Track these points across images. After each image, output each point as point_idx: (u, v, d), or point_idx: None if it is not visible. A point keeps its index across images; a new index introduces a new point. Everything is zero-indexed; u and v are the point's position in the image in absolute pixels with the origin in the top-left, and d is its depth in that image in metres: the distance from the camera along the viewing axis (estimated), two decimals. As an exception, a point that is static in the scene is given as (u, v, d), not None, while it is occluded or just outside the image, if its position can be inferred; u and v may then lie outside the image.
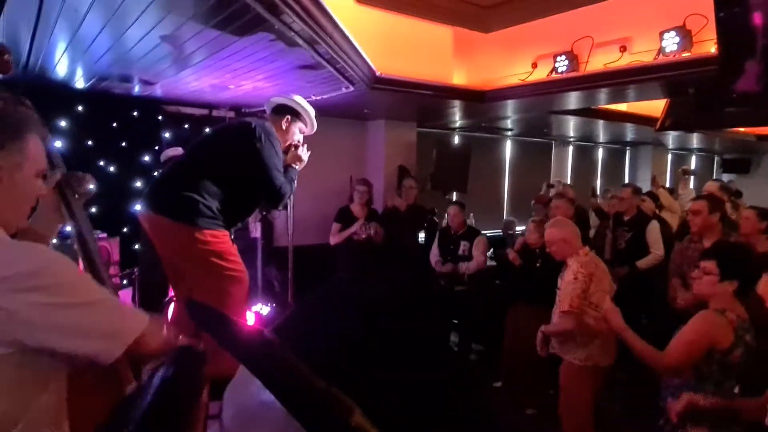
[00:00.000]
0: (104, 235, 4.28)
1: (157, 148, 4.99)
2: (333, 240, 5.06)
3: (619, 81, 3.98)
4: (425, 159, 6.36)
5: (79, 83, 4.15)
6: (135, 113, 4.86)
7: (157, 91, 4.47)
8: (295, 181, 2.86)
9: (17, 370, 1.00)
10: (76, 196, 1.54)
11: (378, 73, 4.02)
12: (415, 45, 4.61)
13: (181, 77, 3.86)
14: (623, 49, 4.06)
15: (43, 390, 1.05)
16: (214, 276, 2.49)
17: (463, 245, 4.78)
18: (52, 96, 4.25)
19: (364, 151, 6.47)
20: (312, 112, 2.91)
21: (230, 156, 2.58)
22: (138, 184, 4.86)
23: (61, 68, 3.62)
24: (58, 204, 1.42)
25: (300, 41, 2.80)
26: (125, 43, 2.96)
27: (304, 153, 2.91)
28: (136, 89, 4.41)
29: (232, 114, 5.39)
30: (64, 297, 1.02)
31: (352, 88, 3.97)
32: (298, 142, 2.92)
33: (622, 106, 5.90)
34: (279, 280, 5.17)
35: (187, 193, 2.45)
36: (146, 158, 4.96)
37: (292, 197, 3.24)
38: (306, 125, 2.92)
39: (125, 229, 4.75)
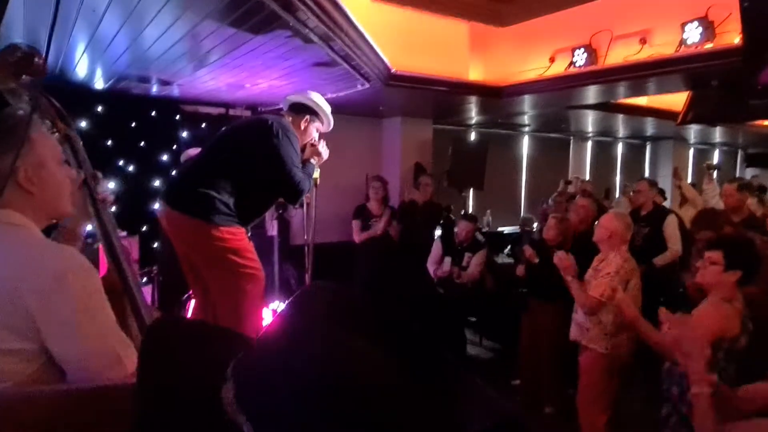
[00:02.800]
0: (124, 233, 4.33)
1: (174, 147, 5.03)
2: (357, 238, 5.09)
3: (639, 74, 3.90)
4: (441, 156, 6.33)
5: (99, 84, 4.21)
6: (153, 113, 4.91)
7: (175, 90, 4.51)
8: (313, 176, 2.87)
9: (44, 366, 1.05)
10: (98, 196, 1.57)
11: (393, 70, 4.01)
12: (430, 41, 4.58)
13: (197, 76, 3.88)
14: (643, 41, 3.98)
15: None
16: (231, 273, 2.50)
17: (467, 257, 4.77)
18: (73, 97, 4.30)
19: (379, 149, 6.46)
20: (328, 109, 2.91)
21: (248, 153, 2.58)
22: (156, 183, 4.91)
23: (81, 69, 3.67)
24: (84, 202, 1.46)
25: (315, 38, 2.79)
26: (143, 42, 2.98)
27: (323, 148, 2.91)
28: (154, 89, 4.45)
29: (248, 113, 5.42)
30: (76, 314, 1.06)
31: (367, 85, 3.96)
32: (314, 140, 2.92)
33: (642, 100, 5.80)
34: (296, 278, 5.19)
35: (205, 190, 2.46)
36: (164, 158, 5.01)
37: (309, 194, 3.25)
38: (323, 124, 2.92)
39: (144, 228, 4.80)
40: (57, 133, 1.49)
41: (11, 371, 1.02)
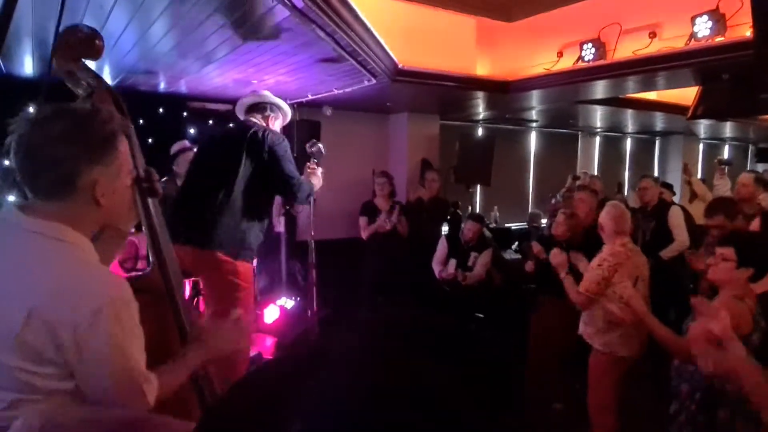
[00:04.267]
0: (132, 230, 4.35)
1: (186, 144, 5.05)
2: (365, 234, 5.09)
3: (649, 68, 3.87)
4: (448, 152, 6.31)
5: (107, 81, 4.22)
6: (161, 110, 4.93)
7: (182, 87, 4.52)
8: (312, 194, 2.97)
9: (68, 388, 1.05)
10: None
11: (400, 66, 3.99)
12: (437, 36, 4.56)
13: (204, 73, 3.89)
14: (653, 35, 3.94)
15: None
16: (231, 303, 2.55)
17: (473, 256, 4.76)
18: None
19: (386, 145, 6.45)
20: (281, 101, 2.96)
21: (249, 169, 2.62)
22: (164, 179, 4.92)
23: (89, 66, 3.68)
24: (134, 200, 1.39)
25: (321, 34, 2.79)
26: (150, 38, 2.99)
27: (318, 177, 3.00)
28: (162, 86, 4.46)
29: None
30: (107, 347, 1.05)
31: (374, 81, 3.95)
32: (312, 166, 3.03)
33: (651, 95, 5.75)
34: (302, 274, 5.20)
35: (218, 217, 2.55)
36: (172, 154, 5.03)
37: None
38: (282, 118, 2.98)
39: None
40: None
41: (40, 388, 1.02)
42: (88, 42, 1.32)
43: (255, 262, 2.92)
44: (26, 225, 1.06)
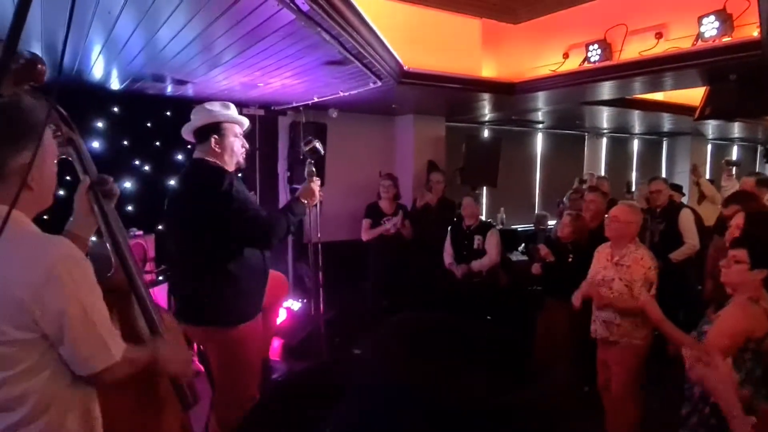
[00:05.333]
0: (140, 232, 4.39)
1: (189, 147, 5.07)
2: (365, 236, 5.08)
3: (656, 69, 3.85)
4: (454, 153, 6.31)
5: (115, 84, 4.26)
6: (168, 113, 4.96)
7: (189, 90, 4.54)
8: (302, 217, 2.63)
9: (47, 353, 1.11)
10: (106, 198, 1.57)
11: (405, 68, 4.00)
12: (442, 38, 4.57)
13: (211, 76, 3.91)
14: (659, 35, 3.93)
15: (69, 378, 1.15)
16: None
17: (477, 239, 4.72)
18: (90, 98, 4.37)
19: (392, 147, 6.46)
20: (225, 108, 2.55)
21: (209, 229, 2.33)
22: (172, 182, 4.96)
23: (97, 70, 3.72)
24: (91, 207, 1.47)
25: (327, 37, 2.80)
26: (157, 43, 3.01)
27: (316, 187, 2.68)
28: (169, 89, 4.49)
29: (261, 112, 5.45)
30: (67, 303, 1.10)
31: (379, 83, 3.95)
32: (310, 176, 2.71)
33: (658, 96, 5.72)
34: (309, 276, 5.21)
35: (204, 289, 2.33)
36: (179, 157, 5.06)
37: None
38: (238, 126, 2.57)
39: (160, 226, 4.85)
40: (60, 137, 1.49)
41: (14, 359, 1.07)
42: (29, 68, 1.35)
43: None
44: None
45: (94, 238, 1.54)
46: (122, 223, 1.61)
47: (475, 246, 4.72)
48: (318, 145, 2.90)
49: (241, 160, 2.59)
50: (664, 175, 9.10)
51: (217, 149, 2.47)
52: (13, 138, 1.13)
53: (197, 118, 2.52)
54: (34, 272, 1.07)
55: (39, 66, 1.39)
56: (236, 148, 2.53)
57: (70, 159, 1.54)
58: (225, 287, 2.34)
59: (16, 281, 1.06)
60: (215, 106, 2.53)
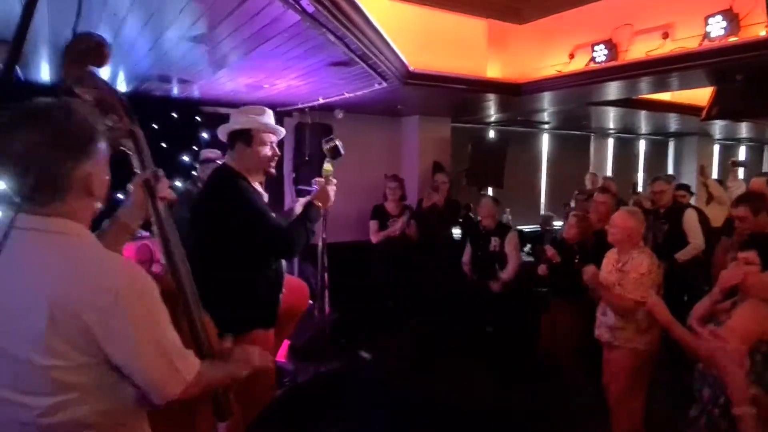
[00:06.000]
0: (147, 234, 4.40)
1: (195, 148, 5.10)
2: (374, 239, 5.09)
3: (662, 69, 3.83)
4: (460, 154, 6.30)
5: (122, 87, 4.28)
6: (174, 114, 4.98)
7: (195, 92, 4.57)
8: (316, 223, 2.50)
9: (104, 377, 1.07)
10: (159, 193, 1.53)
11: (411, 69, 4.00)
12: (448, 39, 4.56)
13: (217, 77, 3.93)
14: (665, 35, 3.91)
15: (125, 393, 1.12)
16: None
17: (494, 241, 4.69)
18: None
19: (398, 148, 6.46)
20: (260, 115, 2.47)
21: (225, 236, 2.30)
22: (178, 183, 4.98)
23: (104, 72, 3.74)
24: (144, 200, 1.43)
25: (332, 38, 2.80)
26: (163, 45, 3.03)
27: (332, 190, 2.55)
28: (175, 91, 4.52)
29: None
30: (133, 328, 1.06)
31: (385, 84, 3.96)
32: (327, 178, 2.58)
33: (665, 96, 5.69)
34: (315, 277, 5.22)
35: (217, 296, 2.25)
36: (185, 158, 5.08)
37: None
38: (272, 134, 2.49)
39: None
40: (121, 129, 1.45)
41: (76, 383, 1.04)
42: (97, 50, 1.34)
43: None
44: (26, 224, 1.06)
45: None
46: None
47: (491, 248, 4.67)
48: (339, 143, 2.69)
49: (270, 169, 2.51)
50: (669, 174, 9.05)
51: (242, 157, 2.43)
52: (73, 149, 1.10)
53: (230, 123, 2.49)
54: (101, 296, 1.03)
55: (105, 50, 1.37)
56: (263, 157, 2.44)
57: (128, 152, 1.49)
58: (239, 294, 2.29)
59: (83, 304, 1.01)
60: (248, 113, 2.47)
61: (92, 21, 2.55)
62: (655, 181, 4.74)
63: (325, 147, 2.69)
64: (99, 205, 1.20)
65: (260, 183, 2.55)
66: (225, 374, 1.36)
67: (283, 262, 2.58)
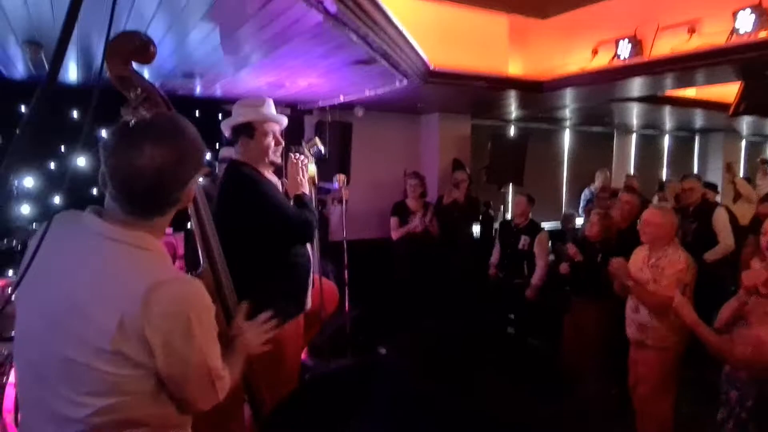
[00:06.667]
0: (170, 230, 4.47)
1: (217, 146, 5.17)
2: (395, 235, 5.10)
3: (688, 65, 3.76)
4: (480, 152, 6.27)
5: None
6: (197, 113, 5.05)
7: (217, 91, 4.62)
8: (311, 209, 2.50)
9: (157, 384, 1.10)
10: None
11: (432, 67, 3.99)
12: (469, 35, 4.54)
13: (239, 76, 3.97)
14: (692, 30, 3.83)
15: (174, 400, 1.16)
16: None
17: (524, 240, 4.67)
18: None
19: (417, 145, 6.45)
20: (259, 106, 2.47)
21: (246, 230, 2.31)
22: (201, 181, 5.04)
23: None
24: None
25: (354, 37, 2.81)
26: (188, 45, 3.07)
27: (299, 173, 2.50)
28: (198, 90, 4.57)
29: (287, 111, 5.50)
30: (187, 349, 1.09)
31: (405, 82, 3.95)
32: (300, 175, 2.53)
33: (690, 92, 5.59)
34: (335, 275, 5.25)
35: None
36: (207, 156, 5.15)
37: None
38: (274, 123, 2.48)
39: (189, 225, 4.94)
40: None
41: (130, 386, 1.07)
42: (143, 48, 1.36)
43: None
44: (108, 233, 1.08)
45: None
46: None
47: (520, 246, 4.66)
48: (320, 144, 2.74)
49: (275, 158, 2.51)
50: (696, 173, 8.88)
51: (247, 150, 2.44)
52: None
53: (231, 118, 2.49)
54: (167, 320, 1.05)
55: (152, 48, 1.39)
56: (267, 147, 2.44)
57: None
58: (266, 286, 2.28)
59: (151, 325, 1.04)
60: (248, 106, 2.47)
61: (120, 22, 2.59)
62: (684, 179, 4.66)
63: (305, 146, 2.73)
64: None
65: (272, 171, 2.57)
66: (238, 372, 1.39)
67: (310, 251, 2.60)
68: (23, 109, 4.05)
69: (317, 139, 2.77)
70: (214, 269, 1.52)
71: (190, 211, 1.49)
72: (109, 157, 1.07)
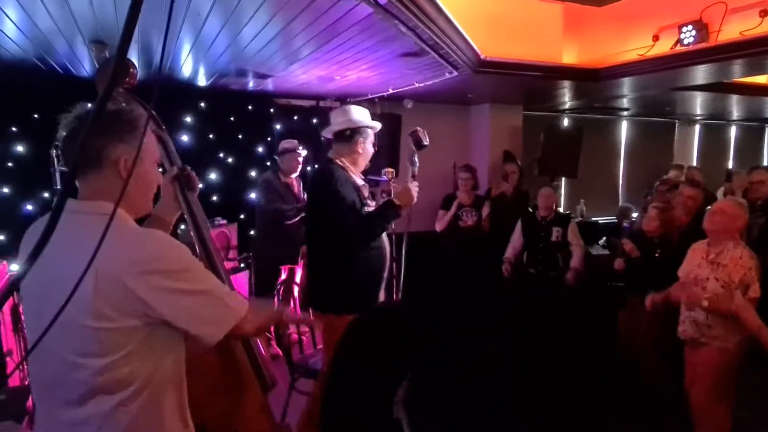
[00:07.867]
0: (224, 221, 4.62)
1: (269, 139, 5.28)
2: (438, 226, 5.08)
3: (759, 50, 3.53)
4: (532, 143, 6.13)
5: (201, 81, 4.49)
6: (250, 107, 5.17)
7: (269, 85, 4.71)
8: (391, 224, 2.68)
9: (148, 338, 1.17)
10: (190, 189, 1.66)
11: (483, 57, 3.92)
12: (521, 24, 4.43)
13: (290, 71, 4.03)
14: (764, 13, 3.58)
15: (168, 354, 1.23)
16: None
17: (556, 231, 4.56)
18: (180, 94, 4.65)
19: (467, 137, 6.37)
20: (362, 114, 2.74)
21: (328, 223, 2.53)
22: (253, 173, 5.17)
23: (186, 68, 3.94)
24: (175, 194, 1.57)
25: (403, 29, 2.79)
26: (241, 41, 3.14)
27: (415, 190, 2.64)
28: (251, 84, 4.68)
29: (337, 104, 5.55)
30: (178, 283, 1.17)
31: (455, 74, 3.91)
32: (410, 181, 2.70)
33: (760, 79, 5.24)
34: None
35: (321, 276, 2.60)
36: (260, 149, 5.27)
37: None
38: (369, 130, 2.74)
39: (242, 216, 5.08)
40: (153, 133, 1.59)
41: (118, 344, 1.14)
42: (127, 71, 1.49)
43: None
44: (75, 207, 1.18)
45: (183, 227, 1.62)
46: (208, 212, 1.70)
47: (553, 238, 4.58)
48: (422, 134, 2.81)
49: (366, 163, 2.79)
50: (766, 165, 8.34)
51: (343, 153, 2.67)
52: (111, 128, 1.23)
53: (343, 120, 2.69)
54: (144, 265, 1.13)
55: (132, 70, 1.53)
56: (366, 153, 2.72)
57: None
58: (341, 277, 2.53)
59: (128, 275, 1.12)
60: (349, 114, 2.71)
61: (177, 21, 2.68)
62: (753, 171, 4.38)
63: (414, 138, 2.81)
64: (138, 206, 1.32)
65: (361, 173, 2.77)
66: (268, 317, 1.47)
67: (387, 248, 2.70)
68: (89, 106, 4.26)
69: (419, 129, 2.82)
70: (210, 257, 1.59)
71: (179, 196, 1.57)
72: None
